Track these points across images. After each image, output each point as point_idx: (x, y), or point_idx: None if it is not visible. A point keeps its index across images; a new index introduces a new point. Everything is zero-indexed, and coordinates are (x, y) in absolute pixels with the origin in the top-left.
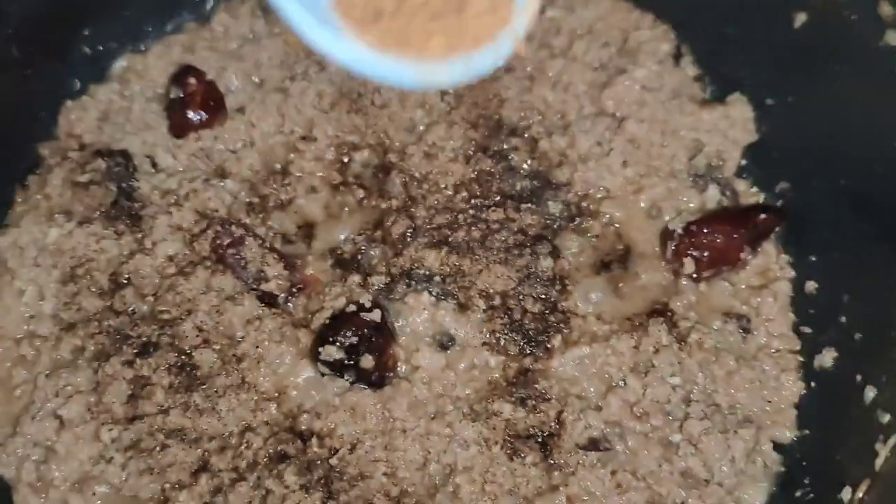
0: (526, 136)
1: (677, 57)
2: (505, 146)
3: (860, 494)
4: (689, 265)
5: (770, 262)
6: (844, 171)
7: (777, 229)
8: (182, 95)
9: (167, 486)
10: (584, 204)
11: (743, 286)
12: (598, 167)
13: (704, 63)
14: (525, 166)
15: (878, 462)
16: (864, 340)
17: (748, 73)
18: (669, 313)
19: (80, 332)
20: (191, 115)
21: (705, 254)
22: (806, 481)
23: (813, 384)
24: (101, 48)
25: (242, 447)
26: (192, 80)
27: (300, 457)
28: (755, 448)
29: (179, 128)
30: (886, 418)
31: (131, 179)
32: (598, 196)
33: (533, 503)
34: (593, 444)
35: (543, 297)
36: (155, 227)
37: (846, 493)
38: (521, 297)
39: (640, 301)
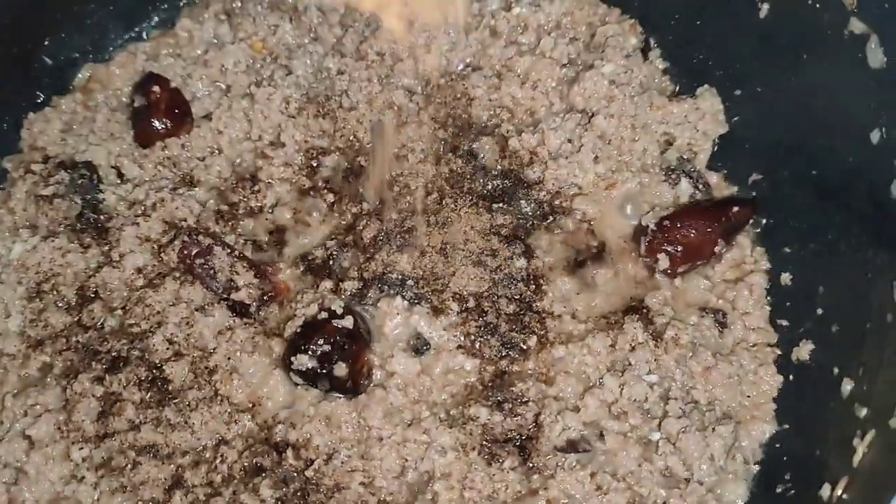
0: (496, 134)
1: (645, 51)
2: (475, 145)
3: (839, 492)
4: (663, 261)
5: (745, 254)
6: (814, 161)
7: (751, 222)
8: (146, 104)
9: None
10: (556, 202)
11: (718, 280)
12: (569, 164)
13: (672, 56)
14: (496, 165)
15: (856, 458)
16: (840, 332)
17: (716, 65)
18: (645, 310)
19: (48, 348)
20: (156, 123)
21: (679, 249)
22: (787, 477)
23: (791, 377)
24: (63, 58)
25: (217, 461)
26: (156, 88)
27: (276, 469)
28: (734, 445)
29: (145, 137)
30: (864, 412)
31: (96, 191)
32: (571, 193)
33: None
34: (572, 446)
35: (518, 297)
36: (122, 239)
37: (825, 491)
38: (495, 298)
39: (615, 298)
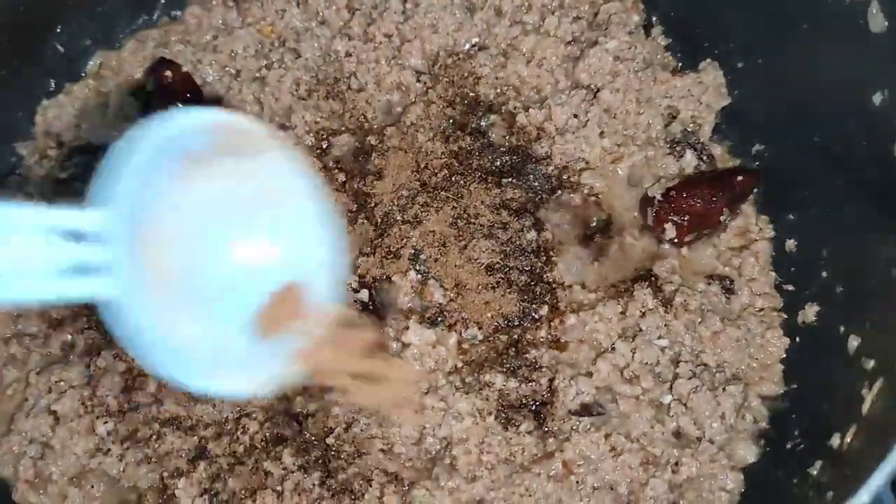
0: (503, 111)
1: (648, 28)
2: (483, 123)
3: (848, 439)
4: (670, 230)
5: (749, 223)
6: (817, 128)
7: (755, 190)
8: (159, 87)
9: (165, 474)
10: (564, 176)
11: (724, 248)
12: (575, 139)
13: (674, 32)
14: (504, 142)
15: (865, 407)
16: (845, 292)
17: (717, 39)
18: (654, 278)
19: (69, 328)
20: (168, 107)
21: (685, 218)
22: (796, 433)
23: (797, 339)
24: (74, 46)
25: (239, 432)
26: (168, 73)
27: (296, 438)
28: (744, 404)
29: None
30: (871, 364)
31: None
32: (578, 167)
33: (530, 470)
34: (586, 410)
35: (529, 269)
36: None
37: (835, 440)
38: (506, 270)
39: (623, 268)
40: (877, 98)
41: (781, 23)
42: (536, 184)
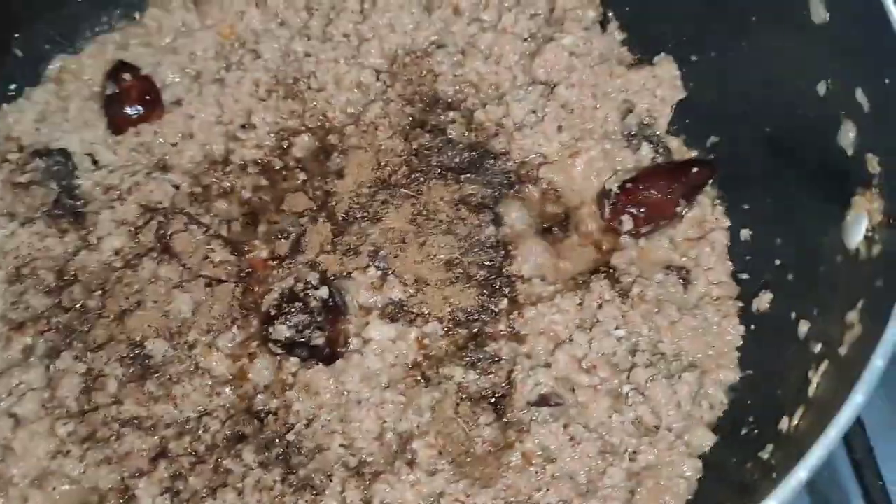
0: (462, 108)
1: (604, 23)
2: (442, 119)
3: (796, 421)
4: (627, 222)
5: (706, 213)
6: (768, 120)
7: (710, 181)
8: (118, 91)
9: (126, 474)
10: (522, 171)
11: (681, 239)
12: (533, 134)
13: (630, 27)
14: (463, 138)
15: (811, 389)
16: (796, 279)
17: (671, 34)
18: (611, 270)
19: (30, 330)
20: (128, 109)
21: (642, 210)
22: (750, 419)
23: (752, 326)
24: (34, 50)
25: (200, 431)
26: (127, 76)
27: (257, 436)
28: (700, 391)
29: (117, 123)
30: (818, 348)
31: (72, 177)
32: (536, 162)
33: (488, 462)
34: (544, 400)
35: (488, 263)
36: (99, 223)
37: (784, 423)
38: (466, 264)
39: (581, 261)
40: (821, 88)
41: (732, 17)
42: (495, 179)
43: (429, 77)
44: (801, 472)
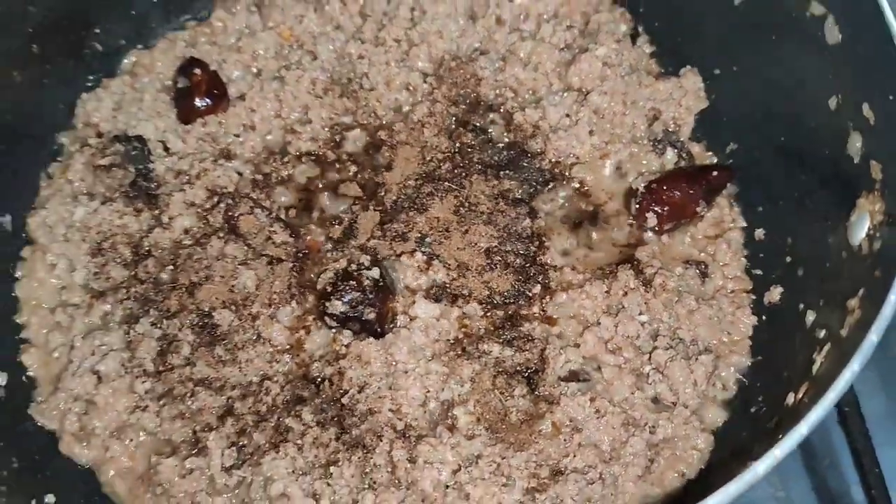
0: (502, 110)
1: (634, 37)
2: (484, 120)
3: (800, 395)
4: (651, 219)
5: (724, 214)
6: (782, 130)
7: (728, 185)
8: (189, 84)
9: (197, 428)
10: (556, 170)
11: (700, 236)
12: (567, 136)
13: (658, 41)
14: (503, 138)
15: (815, 368)
16: (805, 274)
17: (697, 49)
18: (636, 262)
19: (110, 298)
20: (197, 102)
21: (665, 209)
22: (759, 399)
23: (764, 317)
24: (111, 45)
25: (262, 394)
26: (198, 71)
27: (314, 399)
28: (714, 373)
29: (187, 114)
30: (822, 333)
31: (147, 162)
32: (569, 162)
33: (521, 429)
34: (573, 376)
35: (524, 252)
36: (171, 204)
37: (790, 398)
38: (503, 253)
39: (609, 253)
40: (832, 102)
41: (753, 34)
42: (532, 177)
43: (472, 81)
44: (802, 428)
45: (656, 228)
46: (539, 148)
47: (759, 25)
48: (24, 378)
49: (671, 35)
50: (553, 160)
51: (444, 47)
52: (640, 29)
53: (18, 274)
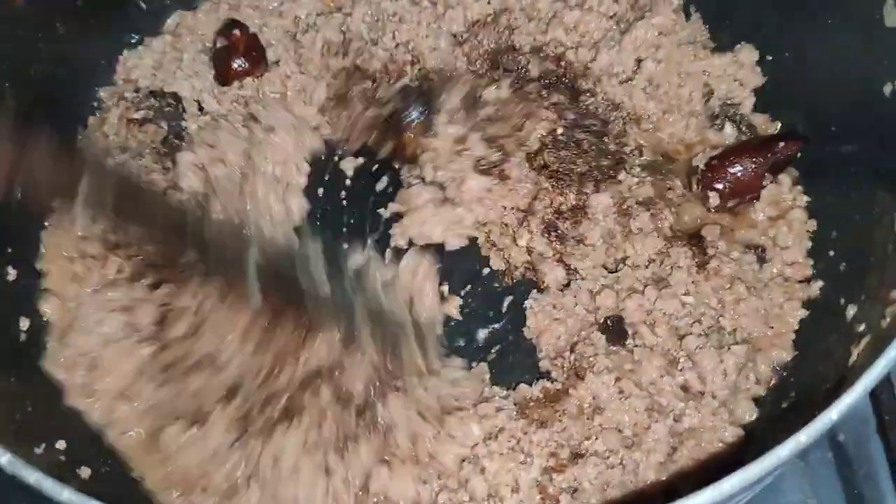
0: (540, 53)
1: (686, 15)
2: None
3: (833, 388)
4: (713, 198)
5: (783, 192)
6: (833, 118)
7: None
8: (227, 45)
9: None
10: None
11: (762, 218)
12: (622, 88)
13: (711, 20)
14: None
15: (851, 360)
16: (847, 269)
17: (752, 27)
18: (698, 239)
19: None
20: (235, 62)
21: (729, 185)
22: (792, 394)
23: (805, 311)
24: (156, 4)
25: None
26: (237, 32)
27: None
28: (747, 365)
29: (224, 75)
30: (861, 327)
31: (180, 119)
32: (623, 113)
33: (545, 406)
34: (618, 324)
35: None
36: None
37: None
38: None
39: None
40: (887, 89)
41: (808, 12)
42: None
43: (506, 33)
44: (832, 413)
45: (719, 207)
46: (589, 87)
47: (816, 9)
48: (44, 324)
49: (723, 17)
50: (604, 103)
51: (481, 11)
52: (692, 8)
53: (46, 223)
